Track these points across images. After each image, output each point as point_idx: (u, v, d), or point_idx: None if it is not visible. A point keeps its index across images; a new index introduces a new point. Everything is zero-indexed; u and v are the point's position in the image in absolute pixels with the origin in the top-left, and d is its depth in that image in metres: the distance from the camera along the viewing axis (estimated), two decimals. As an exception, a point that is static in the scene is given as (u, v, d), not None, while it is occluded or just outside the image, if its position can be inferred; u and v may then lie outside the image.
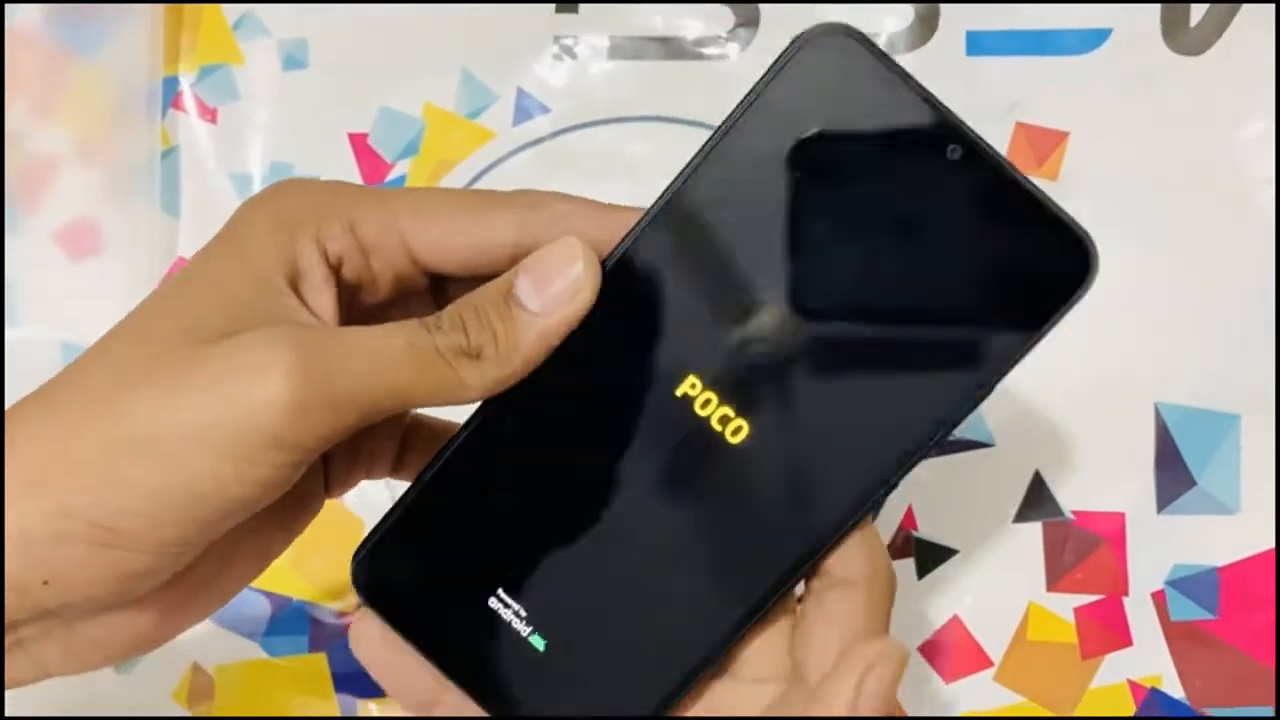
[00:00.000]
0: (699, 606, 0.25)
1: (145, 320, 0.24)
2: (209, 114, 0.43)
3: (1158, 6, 0.39)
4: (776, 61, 0.24)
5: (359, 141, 0.43)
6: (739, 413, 0.24)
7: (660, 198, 0.24)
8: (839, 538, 0.25)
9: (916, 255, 0.24)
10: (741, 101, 0.24)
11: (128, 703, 0.39)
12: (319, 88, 0.43)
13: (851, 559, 0.25)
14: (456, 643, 0.26)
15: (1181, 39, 0.39)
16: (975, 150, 0.23)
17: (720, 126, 0.24)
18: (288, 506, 0.26)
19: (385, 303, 0.27)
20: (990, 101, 0.40)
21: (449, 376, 0.23)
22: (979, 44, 0.40)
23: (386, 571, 0.26)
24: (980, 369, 0.24)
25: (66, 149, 0.43)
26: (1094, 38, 0.40)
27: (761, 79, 0.24)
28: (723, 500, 0.25)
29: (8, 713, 0.28)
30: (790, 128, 0.24)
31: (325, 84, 0.43)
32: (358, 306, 0.26)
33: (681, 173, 0.24)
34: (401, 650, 0.26)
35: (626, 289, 0.24)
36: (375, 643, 0.26)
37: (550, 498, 0.25)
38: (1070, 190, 0.39)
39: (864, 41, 0.24)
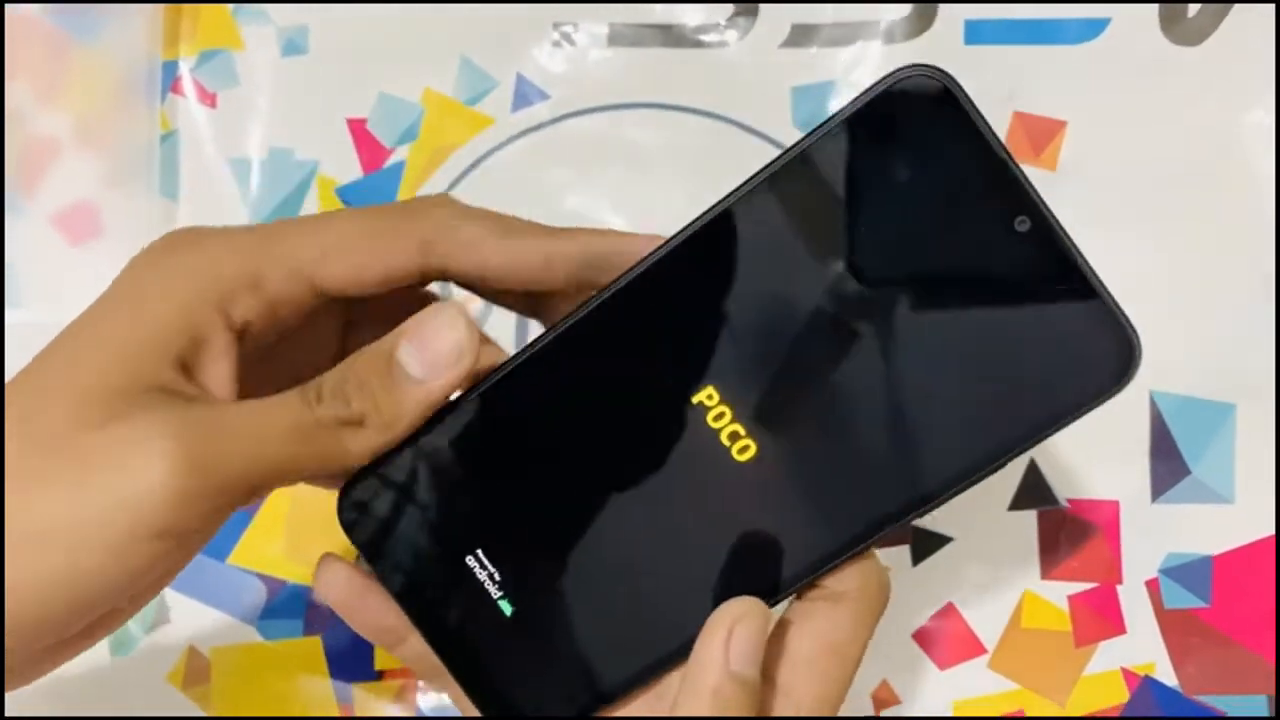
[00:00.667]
0: (671, 608, 0.25)
1: (36, 395, 0.23)
2: (208, 99, 0.43)
3: (1156, -3, 0.40)
4: (864, 93, 0.23)
5: (358, 127, 0.43)
6: (749, 433, 0.24)
7: (716, 205, 0.24)
8: (824, 572, 0.25)
9: (963, 317, 0.24)
10: (816, 128, 0.24)
11: (123, 685, 0.39)
12: (319, 73, 0.43)
13: (845, 574, 0.25)
14: (426, 591, 0.26)
15: (1180, 29, 0.40)
16: (1044, 225, 0.23)
17: (791, 148, 0.24)
18: None
19: (291, 329, 0.27)
20: (988, 91, 0.39)
21: (332, 447, 0.24)
22: (977, 33, 0.40)
23: (372, 507, 0.26)
24: (998, 444, 0.24)
25: (66, 132, 0.43)
26: (1092, 27, 0.40)
27: (843, 108, 0.23)
28: (716, 513, 0.25)
29: (8, 712, 0.29)
30: (862, 163, 0.23)
31: (325, 70, 0.43)
32: (262, 344, 0.26)
33: (744, 184, 0.24)
34: (367, 590, 0.26)
35: (664, 291, 0.25)
36: (341, 582, 0.26)
37: (543, 474, 0.26)
38: (1067, 179, 0.39)
39: (956, 89, 0.23)
